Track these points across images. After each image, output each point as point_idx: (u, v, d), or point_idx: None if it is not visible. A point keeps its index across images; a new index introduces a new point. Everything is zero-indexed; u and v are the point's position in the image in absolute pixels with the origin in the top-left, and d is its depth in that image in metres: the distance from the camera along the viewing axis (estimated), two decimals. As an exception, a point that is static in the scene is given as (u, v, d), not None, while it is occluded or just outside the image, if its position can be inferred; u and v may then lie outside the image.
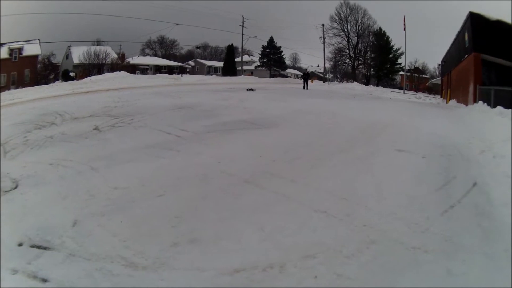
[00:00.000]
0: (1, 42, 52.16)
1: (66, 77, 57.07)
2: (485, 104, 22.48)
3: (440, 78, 65.21)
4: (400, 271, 5.96)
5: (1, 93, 34.00)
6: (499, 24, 27.68)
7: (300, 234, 7.09)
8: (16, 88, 46.74)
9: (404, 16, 64.01)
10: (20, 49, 56.54)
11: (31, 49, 58.11)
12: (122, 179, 9.56)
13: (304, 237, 6.98)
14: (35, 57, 59.66)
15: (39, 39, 59.06)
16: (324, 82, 68.75)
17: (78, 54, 62.33)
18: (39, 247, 6.66)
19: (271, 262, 6.16)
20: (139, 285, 5.70)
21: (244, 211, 7.99)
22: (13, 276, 5.77)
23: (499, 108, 18.64)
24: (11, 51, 54.97)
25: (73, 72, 59.91)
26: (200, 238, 6.97)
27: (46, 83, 50.38)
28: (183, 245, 6.76)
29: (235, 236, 7.03)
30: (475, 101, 26.74)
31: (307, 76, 47.09)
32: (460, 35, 36.25)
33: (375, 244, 6.72)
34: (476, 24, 29.72)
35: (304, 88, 43.23)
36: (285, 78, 74.94)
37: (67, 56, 64.93)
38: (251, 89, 39.78)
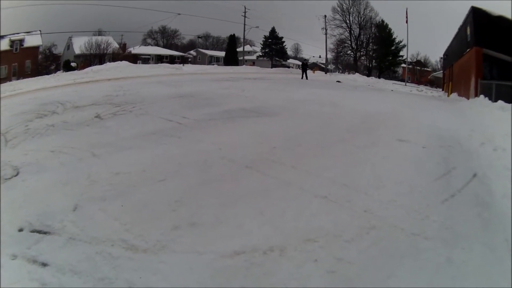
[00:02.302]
0: (2, 34, 52.20)
1: (67, 68, 57.07)
2: (486, 98, 22.46)
3: (442, 71, 65.16)
4: (399, 257, 6.00)
5: (2, 84, 33.99)
6: (501, 20, 27.63)
7: (301, 218, 7.12)
8: (17, 79, 46.67)
9: (407, 9, 63.72)
10: (21, 41, 56.49)
11: (32, 41, 58.07)
12: (124, 165, 9.58)
13: (304, 221, 7.01)
14: (36, 48, 59.61)
15: (40, 30, 59.03)
16: (326, 73, 68.57)
17: (80, 45, 62.27)
18: (39, 232, 6.69)
19: (271, 246, 6.20)
20: (139, 267, 5.72)
21: (244, 196, 8.02)
22: (13, 262, 5.79)
23: (500, 102, 18.65)
24: (12, 42, 54.96)
25: (74, 62, 59.91)
26: (200, 222, 7.00)
27: (48, 74, 50.34)
28: (184, 228, 6.80)
29: (235, 220, 7.07)
30: (476, 95, 26.70)
31: (306, 66, 46.37)
32: (462, 29, 36.20)
33: (375, 229, 6.77)
34: (478, 18, 29.69)
35: (302, 77, 42.73)
36: (286, 68, 74.83)
37: (68, 46, 64.82)
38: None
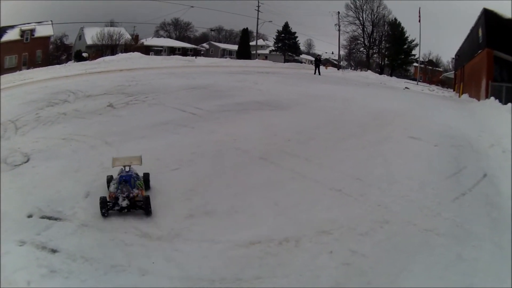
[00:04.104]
0: (13, 24, 52.16)
1: (78, 58, 56.95)
2: (497, 100, 22.31)
3: (453, 72, 64.81)
4: (412, 252, 6.04)
5: (12, 74, 34.02)
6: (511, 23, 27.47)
7: (315, 210, 7.16)
8: (28, 69, 46.59)
9: (419, 8, 63.29)
10: (32, 31, 56.27)
11: (43, 31, 57.85)
12: (137, 153, 9.55)
13: (318, 213, 7.05)
14: (47, 38, 59.31)
15: (51, 21, 58.91)
16: (338, 69, 68.22)
17: (91, 35, 61.84)
18: (49, 218, 6.71)
19: (286, 236, 6.23)
20: (152, 255, 5.74)
21: (258, 187, 8.07)
22: (20, 248, 5.78)
23: (510, 105, 18.56)
24: (23, 32, 54.78)
25: (86, 53, 59.71)
26: (214, 211, 7.05)
27: (58, 64, 50.27)
28: (198, 217, 6.84)
29: (249, 210, 7.11)
30: (487, 96, 26.54)
31: (319, 62, 45.73)
32: (474, 30, 35.90)
33: (389, 224, 6.80)
34: (490, 20, 29.46)
35: (315, 73, 42.28)
36: (299, 63, 74.44)
37: (80, 37, 64.44)
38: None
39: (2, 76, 30.26)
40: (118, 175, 7.53)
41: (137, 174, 7.66)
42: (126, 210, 6.93)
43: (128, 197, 6.92)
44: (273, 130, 12.13)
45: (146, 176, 7.93)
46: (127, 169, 7.68)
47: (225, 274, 5.36)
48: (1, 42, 50.45)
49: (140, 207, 6.99)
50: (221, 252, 5.82)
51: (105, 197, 7.03)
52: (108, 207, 6.91)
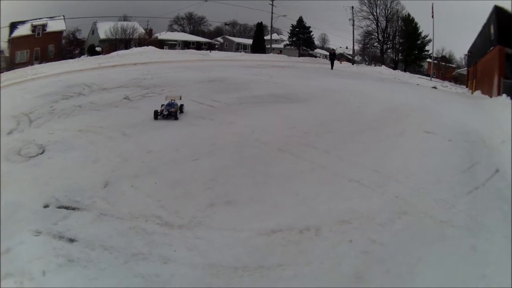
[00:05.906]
0: (24, 19, 52.22)
1: (92, 52, 56.86)
2: (508, 97, 22.22)
3: (466, 68, 64.44)
4: (428, 242, 6.13)
5: (24, 68, 34.06)
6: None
7: (335, 200, 7.24)
8: (40, 63, 46.51)
9: (432, 4, 62.91)
10: (44, 26, 56.15)
11: (55, 25, 57.67)
12: (156, 144, 9.70)
13: (338, 203, 7.13)
14: (59, 32, 59.05)
15: (63, 15, 58.84)
16: (352, 64, 67.95)
17: (105, 30, 61.49)
18: (67, 208, 6.78)
19: (307, 225, 6.31)
20: (174, 243, 5.82)
21: (278, 177, 8.15)
22: (36, 238, 5.84)
23: (521, 102, 18.51)
24: (34, 27, 54.65)
25: (99, 47, 59.59)
26: (235, 201, 7.13)
27: (71, 58, 50.15)
28: (219, 206, 6.92)
29: (270, 200, 7.19)
30: (499, 93, 26.37)
31: (333, 56, 45.81)
32: (485, 27, 35.64)
33: (406, 215, 6.89)
34: (501, 18, 29.24)
35: (332, 68, 42.11)
36: (313, 58, 74.08)
37: (93, 31, 64.14)
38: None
39: (13, 70, 30.42)
40: (167, 102, 13.20)
41: (177, 104, 13.35)
42: (166, 116, 12.58)
43: (168, 111, 12.67)
44: (291, 122, 12.22)
45: (182, 105, 13.64)
46: (172, 101, 13.32)
47: (248, 262, 5.45)
48: (12, 37, 50.49)
49: (172, 115, 12.65)
50: (244, 240, 5.90)
51: (157, 110, 12.68)
52: (158, 115, 12.58)
